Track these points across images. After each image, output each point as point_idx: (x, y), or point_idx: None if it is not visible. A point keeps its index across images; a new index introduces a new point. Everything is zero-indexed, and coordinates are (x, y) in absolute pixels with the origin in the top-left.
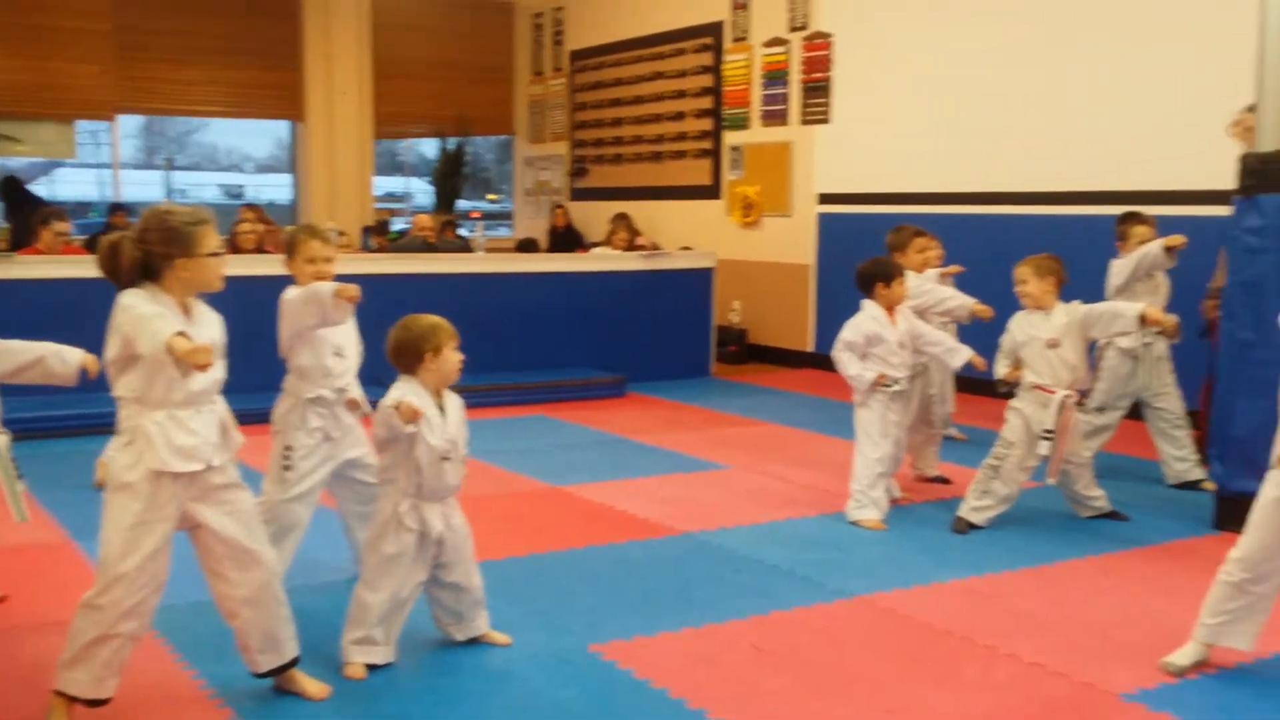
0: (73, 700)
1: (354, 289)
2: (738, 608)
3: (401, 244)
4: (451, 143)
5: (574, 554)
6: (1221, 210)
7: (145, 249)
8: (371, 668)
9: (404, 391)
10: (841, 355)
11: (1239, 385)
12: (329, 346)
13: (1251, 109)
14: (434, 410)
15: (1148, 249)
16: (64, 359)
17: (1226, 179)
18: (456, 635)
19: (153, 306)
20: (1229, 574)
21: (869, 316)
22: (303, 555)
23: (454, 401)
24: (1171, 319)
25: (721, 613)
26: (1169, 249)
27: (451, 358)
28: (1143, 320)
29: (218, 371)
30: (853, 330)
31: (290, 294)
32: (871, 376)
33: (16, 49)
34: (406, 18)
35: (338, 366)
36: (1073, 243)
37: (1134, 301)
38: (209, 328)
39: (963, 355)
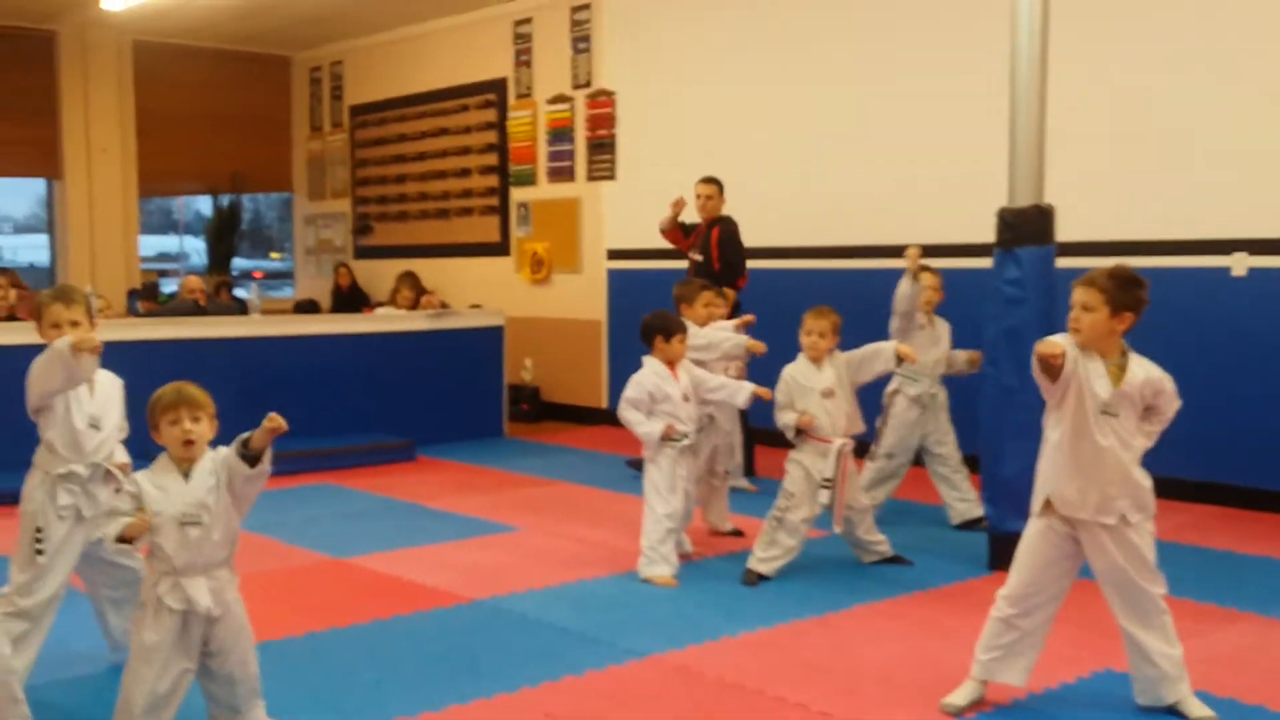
0: None
1: (92, 339)
2: (528, 675)
3: (170, 307)
4: (225, 200)
5: (356, 629)
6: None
7: None
8: None
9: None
10: (627, 414)
11: (1005, 429)
12: (82, 417)
13: (704, 181)
14: (173, 477)
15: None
16: None
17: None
18: None
19: None
20: (999, 610)
21: (650, 372)
22: (53, 645)
23: (204, 466)
24: (963, 353)
25: (512, 681)
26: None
27: (167, 433)
28: (899, 357)
29: None
30: (635, 388)
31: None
32: (659, 429)
33: None
34: (173, 71)
35: (90, 440)
36: (844, 294)
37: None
38: None
39: (746, 392)
